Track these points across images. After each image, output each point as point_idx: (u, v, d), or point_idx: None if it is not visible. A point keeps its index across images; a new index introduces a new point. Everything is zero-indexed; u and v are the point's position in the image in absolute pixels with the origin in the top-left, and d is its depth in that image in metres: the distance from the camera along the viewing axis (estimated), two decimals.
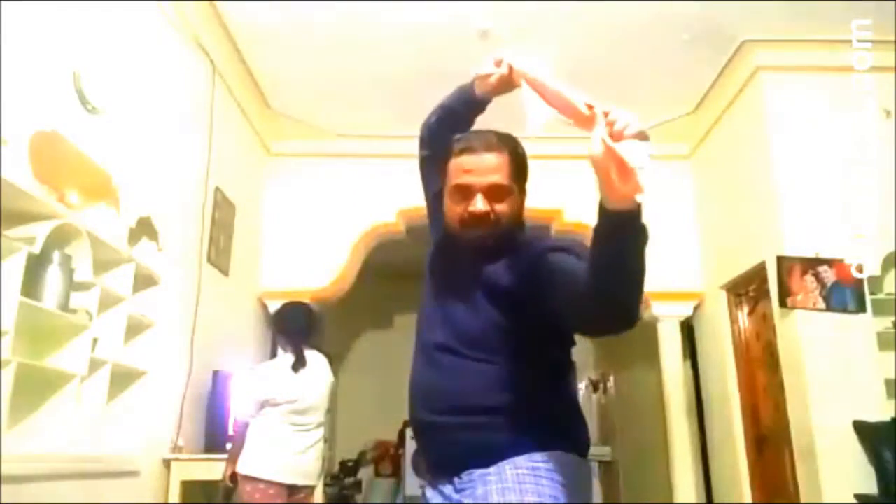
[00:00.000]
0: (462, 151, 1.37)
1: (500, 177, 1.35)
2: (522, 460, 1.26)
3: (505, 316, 1.34)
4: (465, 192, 1.34)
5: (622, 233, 1.01)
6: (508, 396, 1.30)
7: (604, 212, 1.01)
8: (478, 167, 1.34)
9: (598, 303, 1.08)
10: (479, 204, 1.33)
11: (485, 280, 1.37)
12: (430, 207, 1.59)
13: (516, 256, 1.37)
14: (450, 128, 1.49)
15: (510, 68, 1.33)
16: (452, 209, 1.38)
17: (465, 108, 1.50)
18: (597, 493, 7.40)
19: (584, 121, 1.05)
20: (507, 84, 1.36)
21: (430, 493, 1.37)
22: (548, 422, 1.32)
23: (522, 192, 1.41)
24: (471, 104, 1.49)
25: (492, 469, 1.26)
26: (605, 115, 1.00)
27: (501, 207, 1.35)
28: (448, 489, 1.33)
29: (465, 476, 1.29)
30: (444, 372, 1.35)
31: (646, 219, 1.01)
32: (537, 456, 1.26)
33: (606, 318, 1.11)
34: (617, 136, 0.97)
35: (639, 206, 0.99)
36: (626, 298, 1.08)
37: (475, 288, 1.38)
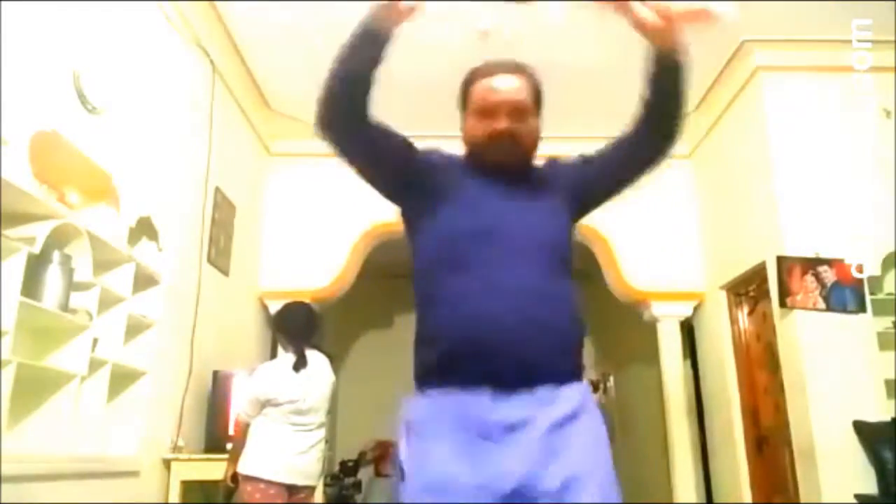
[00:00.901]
0: (485, 74, 1.45)
1: (523, 97, 1.43)
2: (585, 389, 1.37)
3: (565, 211, 1.46)
4: (489, 112, 1.41)
5: (681, 66, 1.41)
6: (575, 309, 1.39)
7: (668, 55, 1.37)
8: (501, 88, 1.42)
9: (663, 117, 1.42)
10: (503, 122, 1.40)
11: (542, 184, 1.47)
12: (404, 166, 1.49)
13: (548, 165, 1.53)
14: (361, 87, 1.37)
15: None
16: (476, 128, 1.44)
17: (374, 51, 1.35)
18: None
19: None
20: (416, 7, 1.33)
21: (471, 399, 1.26)
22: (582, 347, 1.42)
23: (539, 116, 1.47)
24: (379, 42, 1.34)
25: (558, 391, 1.29)
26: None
27: (523, 126, 1.42)
28: (502, 400, 1.25)
29: (541, 388, 1.27)
30: (541, 277, 1.33)
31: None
32: (584, 386, 1.38)
33: (670, 131, 1.43)
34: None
35: (679, 45, 1.38)
36: (682, 111, 1.44)
37: (533, 194, 1.44)
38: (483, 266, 1.32)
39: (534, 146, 1.46)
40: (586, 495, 1.22)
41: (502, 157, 1.42)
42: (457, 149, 1.54)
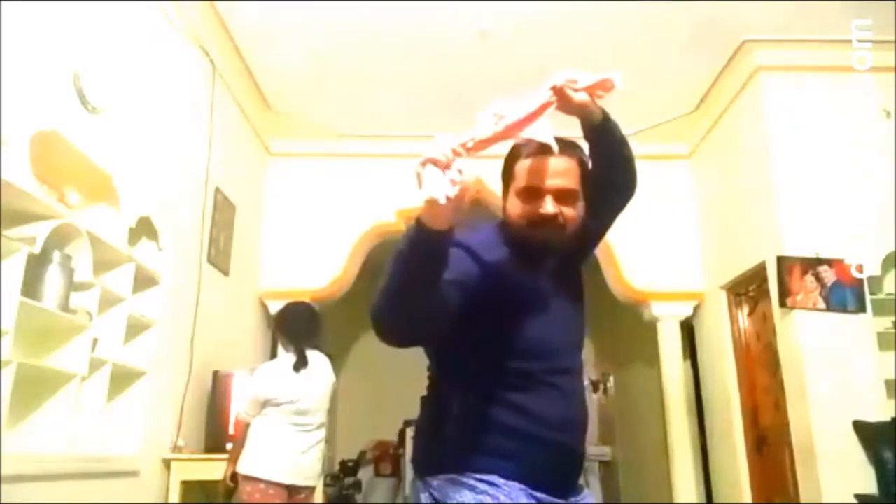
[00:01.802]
0: (532, 153, 1.35)
1: (570, 181, 1.35)
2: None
3: (580, 309, 1.49)
4: (534, 194, 1.34)
5: (613, 126, 1.46)
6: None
7: (597, 126, 1.42)
8: (550, 169, 1.34)
9: (630, 179, 1.51)
10: (550, 206, 1.33)
11: (572, 272, 1.48)
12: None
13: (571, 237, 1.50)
14: (436, 285, 1.12)
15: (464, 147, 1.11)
16: (519, 210, 1.36)
17: (441, 248, 1.10)
18: (597, 493, 7.40)
19: (546, 108, 1.29)
20: (466, 194, 1.07)
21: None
22: None
23: (586, 198, 1.40)
24: (443, 241, 1.09)
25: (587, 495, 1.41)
26: (554, 87, 1.33)
27: (569, 211, 1.35)
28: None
29: (573, 498, 1.36)
30: (571, 396, 1.38)
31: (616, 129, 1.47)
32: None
33: (630, 180, 1.52)
34: (569, 89, 1.35)
35: (601, 111, 1.42)
36: (633, 170, 1.52)
37: (565, 295, 1.44)
38: (536, 379, 1.34)
39: (578, 229, 1.39)
40: None
41: (545, 243, 1.35)
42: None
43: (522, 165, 1.36)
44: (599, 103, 1.42)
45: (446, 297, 1.17)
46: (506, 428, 1.30)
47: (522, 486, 1.28)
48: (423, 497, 1.31)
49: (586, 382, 8.10)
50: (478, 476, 1.27)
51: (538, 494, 1.29)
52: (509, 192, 1.40)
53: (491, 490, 1.25)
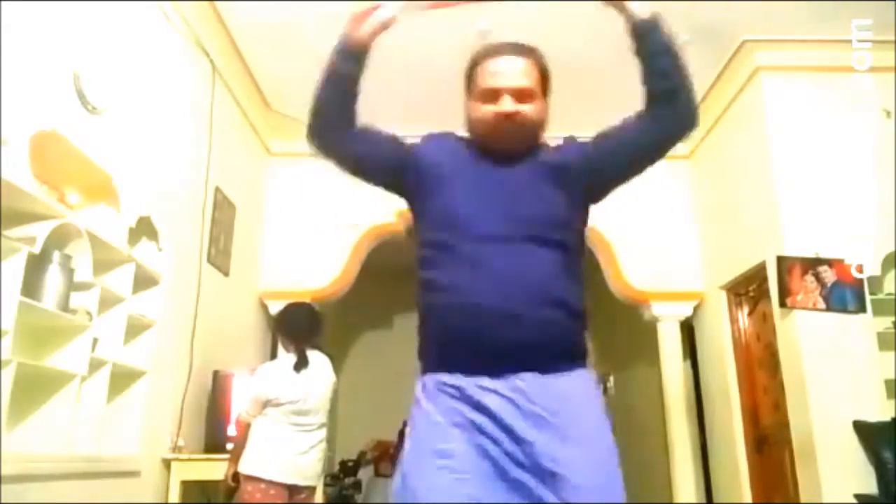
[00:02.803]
0: (489, 56, 1.43)
1: (527, 80, 1.40)
2: (586, 374, 1.36)
3: (571, 195, 1.41)
4: (493, 95, 1.39)
5: (661, 29, 1.39)
6: (576, 290, 1.37)
7: (642, 25, 1.40)
8: (505, 70, 1.40)
9: (669, 101, 1.37)
10: (508, 104, 1.38)
11: (544, 167, 1.42)
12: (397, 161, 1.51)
13: (556, 146, 1.48)
14: (352, 91, 1.44)
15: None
16: (480, 111, 1.41)
17: (353, 65, 1.43)
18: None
19: None
20: (390, 20, 1.40)
21: (466, 382, 1.30)
22: (583, 330, 1.40)
23: (546, 98, 1.45)
24: (356, 56, 1.43)
25: (570, 374, 1.32)
26: None
27: (528, 109, 1.39)
28: (499, 384, 1.28)
29: (509, 377, 1.28)
30: (527, 260, 1.32)
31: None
32: (587, 374, 1.37)
33: (679, 113, 1.39)
34: None
35: (653, 14, 1.39)
36: (687, 86, 1.39)
37: (532, 177, 1.40)
38: (471, 253, 1.33)
39: (540, 128, 1.44)
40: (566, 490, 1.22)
41: (507, 141, 1.40)
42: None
43: (480, 69, 1.43)
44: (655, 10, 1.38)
45: (376, 133, 1.47)
46: (425, 306, 1.38)
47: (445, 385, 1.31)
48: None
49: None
50: (436, 382, 1.35)
51: (464, 380, 1.29)
52: (470, 97, 1.45)
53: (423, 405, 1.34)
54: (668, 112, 1.38)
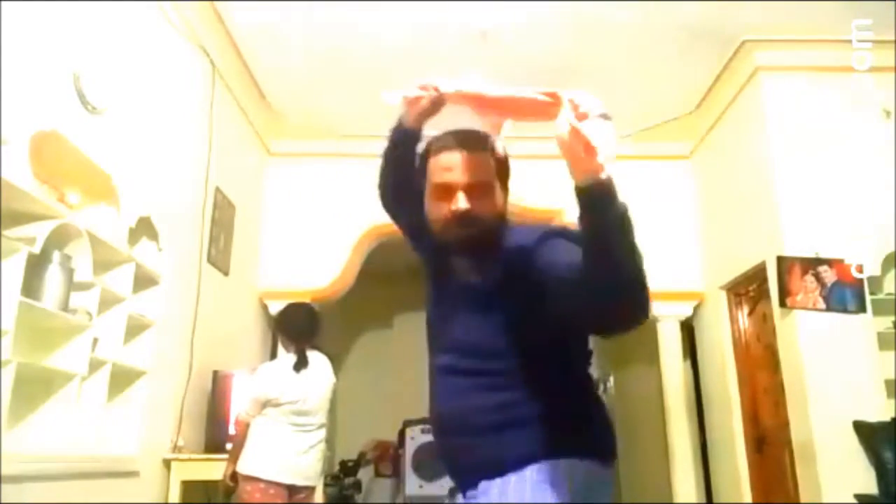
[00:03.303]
0: (440, 149, 1.34)
1: (481, 174, 1.32)
2: (530, 471, 1.22)
3: (518, 311, 1.28)
4: (446, 191, 1.31)
5: (600, 209, 1.01)
6: (519, 408, 1.27)
7: (579, 193, 1.02)
8: (457, 165, 1.31)
9: (598, 295, 1.04)
10: (461, 202, 1.29)
11: (488, 279, 1.32)
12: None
13: (513, 248, 1.31)
14: (401, 172, 1.51)
15: (436, 89, 1.36)
16: (434, 209, 1.34)
17: (406, 143, 1.48)
18: None
19: (545, 112, 1.11)
20: (436, 105, 1.40)
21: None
22: (560, 427, 1.26)
23: (504, 188, 1.37)
24: (409, 137, 1.47)
25: (497, 480, 1.24)
26: (570, 100, 1.03)
27: (482, 205, 1.31)
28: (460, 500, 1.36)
29: (471, 491, 1.31)
30: (451, 394, 1.35)
31: (628, 207, 1.02)
32: (545, 465, 1.22)
33: (609, 311, 1.07)
34: (581, 118, 1.00)
35: (608, 182, 1.00)
36: (625, 286, 1.04)
37: (477, 290, 1.34)
38: (434, 374, 1.41)
39: (497, 223, 1.33)
40: None
41: (461, 242, 1.31)
42: None
43: (434, 163, 1.35)
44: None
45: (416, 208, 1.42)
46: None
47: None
48: None
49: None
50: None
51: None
52: (427, 191, 1.37)
53: None
54: (605, 306, 1.06)
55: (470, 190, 1.30)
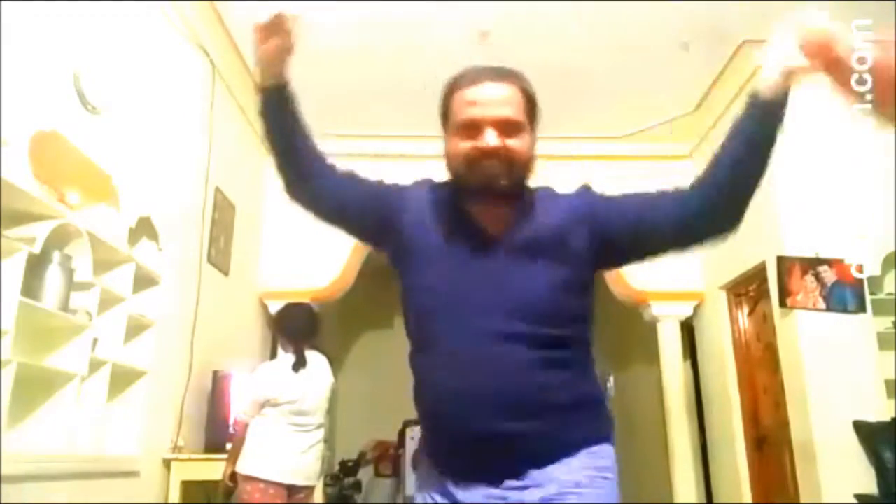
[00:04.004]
0: (465, 84, 1.23)
1: (513, 109, 1.20)
2: (588, 458, 1.19)
3: (575, 271, 1.20)
4: (473, 128, 1.19)
5: (783, 112, 1.23)
6: (580, 383, 1.20)
7: (783, 93, 1.22)
8: (486, 99, 1.19)
9: (728, 198, 1.20)
10: (491, 138, 1.17)
11: (541, 233, 1.20)
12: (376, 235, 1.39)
13: (552, 200, 1.26)
14: (289, 150, 1.36)
15: (280, 16, 1.21)
16: (458, 149, 1.21)
17: (277, 104, 1.30)
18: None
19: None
20: (283, 40, 1.24)
21: (462, 494, 1.17)
22: (599, 408, 1.26)
23: (534, 131, 1.24)
24: (274, 95, 1.29)
25: (552, 467, 1.15)
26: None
27: (514, 144, 1.18)
28: (496, 490, 1.15)
29: (512, 481, 1.15)
30: (502, 367, 1.13)
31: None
32: (600, 451, 1.22)
33: (730, 213, 1.23)
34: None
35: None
36: (754, 187, 1.21)
37: (525, 248, 1.19)
38: (450, 343, 1.18)
39: (527, 167, 1.22)
40: None
41: (491, 182, 1.18)
42: None
43: (458, 99, 1.22)
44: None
45: (350, 181, 1.35)
46: (416, 397, 1.25)
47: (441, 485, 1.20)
48: None
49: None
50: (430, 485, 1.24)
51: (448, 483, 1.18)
52: (448, 131, 1.25)
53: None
54: (728, 208, 1.23)
55: (499, 126, 1.18)
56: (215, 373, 3.91)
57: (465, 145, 1.20)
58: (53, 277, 2.50)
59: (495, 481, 1.15)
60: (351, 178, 1.36)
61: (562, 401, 1.16)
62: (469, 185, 1.21)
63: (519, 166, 1.20)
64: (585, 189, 1.30)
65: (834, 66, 1.13)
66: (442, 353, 1.18)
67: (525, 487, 1.14)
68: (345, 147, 5.10)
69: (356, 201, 1.33)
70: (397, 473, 6.90)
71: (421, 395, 1.23)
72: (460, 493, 1.17)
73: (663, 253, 1.26)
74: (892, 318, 3.66)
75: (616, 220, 1.22)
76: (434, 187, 1.31)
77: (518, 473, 1.15)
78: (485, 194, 1.21)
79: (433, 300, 1.21)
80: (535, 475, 1.14)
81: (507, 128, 1.18)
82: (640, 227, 1.21)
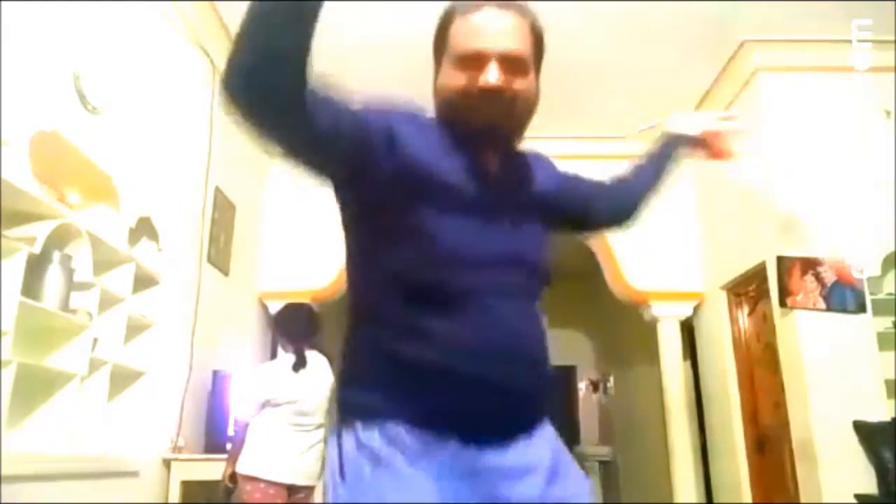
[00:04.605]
0: (470, 9, 1.07)
1: (521, 44, 1.05)
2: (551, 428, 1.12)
3: (551, 228, 1.18)
4: (474, 61, 1.04)
5: (677, 159, 1.45)
6: (546, 341, 1.13)
7: (679, 146, 1.47)
8: (492, 29, 1.04)
9: (637, 204, 1.37)
10: (494, 74, 1.02)
11: (530, 185, 1.15)
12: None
13: (536, 158, 1.22)
14: (301, 44, 0.98)
15: None
16: (454, 83, 1.06)
17: (308, 25, 0.99)
18: (597, 493, 7.40)
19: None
20: None
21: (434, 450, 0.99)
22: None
23: (538, 74, 1.11)
24: (311, 16, 0.98)
25: (543, 433, 1.09)
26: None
27: (520, 83, 1.05)
28: (470, 452, 1.01)
29: (494, 448, 1.02)
30: (510, 318, 1.04)
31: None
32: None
33: (634, 215, 1.39)
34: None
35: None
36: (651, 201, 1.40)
37: (515, 198, 1.11)
38: (477, 299, 1.03)
39: (530, 114, 1.09)
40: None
41: (489, 122, 1.05)
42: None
43: (459, 27, 1.07)
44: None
45: (329, 102, 0.99)
46: (407, 360, 1.00)
47: (429, 442, 0.98)
48: (332, 444, 1.04)
49: (585, 382, 8.13)
50: (384, 433, 0.98)
51: (452, 445, 0.99)
52: (443, 64, 1.10)
53: (394, 461, 0.96)
54: (626, 216, 1.40)
55: (505, 62, 1.04)
56: (215, 373, 3.91)
57: (462, 79, 1.05)
58: (53, 277, 2.50)
59: (491, 440, 1.02)
60: (334, 97, 1.03)
61: (545, 356, 1.10)
62: (462, 126, 1.06)
63: (522, 111, 1.07)
64: (548, 158, 1.30)
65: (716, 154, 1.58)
66: (466, 306, 1.01)
67: (505, 454, 1.03)
68: None
69: (349, 126, 1.00)
70: None
71: (420, 349, 1.00)
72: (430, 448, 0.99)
73: (577, 231, 1.44)
74: (892, 318, 3.65)
75: (574, 195, 1.29)
76: (423, 122, 1.10)
77: (525, 429, 1.06)
78: (480, 139, 1.07)
79: (455, 249, 1.03)
80: (525, 441, 1.06)
81: (513, 65, 1.04)
82: (586, 208, 1.32)
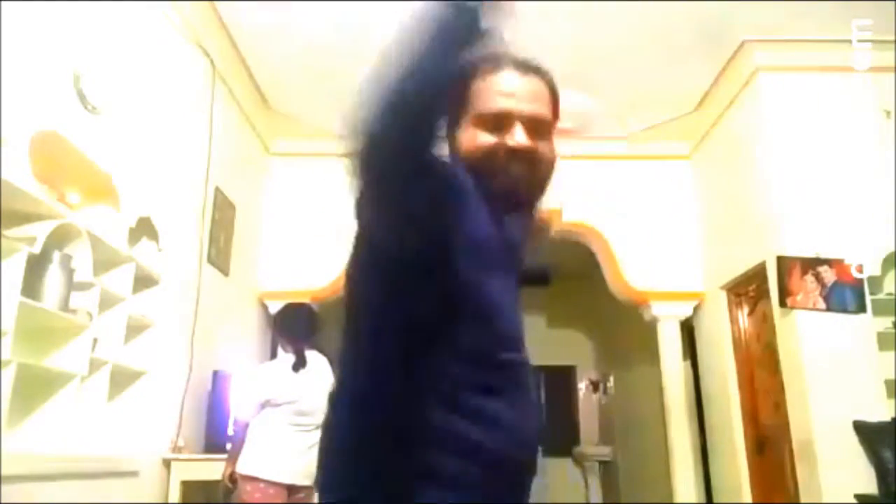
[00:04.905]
0: (497, 69, 1.04)
1: (544, 108, 1.05)
2: None
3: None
4: (501, 121, 1.02)
5: None
6: None
7: None
8: (518, 92, 1.03)
9: None
10: (521, 136, 1.01)
11: (528, 248, 1.12)
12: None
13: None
14: (439, 109, 0.91)
15: None
16: (478, 143, 1.02)
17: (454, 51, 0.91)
18: (597, 493, 7.40)
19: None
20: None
21: None
22: None
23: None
24: (463, 33, 0.93)
25: None
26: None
27: (544, 147, 1.04)
28: None
29: None
30: (533, 408, 1.03)
31: None
32: None
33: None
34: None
35: None
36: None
37: (524, 262, 1.10)
38: (521, 370, 1.00)
39: (551, 176, 1.07)
40: None
41: (516, 183, 1.02)
42: None
43: (484, 85, 1.04)
44: None
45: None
46: (470, 446, 0.91)
47: None
48: None
49: (585, 382, 8.13)
50: None
51: None
52: (461, 122, 1.05)
53: None
54: None
55: (530, 124, 1.02)
56: (215, 373, 3.91)
57: (487, 139, 1.02)
58: (53, 277, 2.50)
59: None
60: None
61: None
62: (489, 187, 1.00)
63: (545, 174, 1.05)
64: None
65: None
66: (520, 385, 0.97)
67: None
68: (340, 147, 5.11)
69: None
70: None
71: (483, 441, 0.92)
72: None
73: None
74: (892, 318, 3.65)
75: None
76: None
77: None
78: (507, 201, 1.03)
79: (509, 320, 0.99)
80: None
81: (538, 128, 1.03)
82: None
